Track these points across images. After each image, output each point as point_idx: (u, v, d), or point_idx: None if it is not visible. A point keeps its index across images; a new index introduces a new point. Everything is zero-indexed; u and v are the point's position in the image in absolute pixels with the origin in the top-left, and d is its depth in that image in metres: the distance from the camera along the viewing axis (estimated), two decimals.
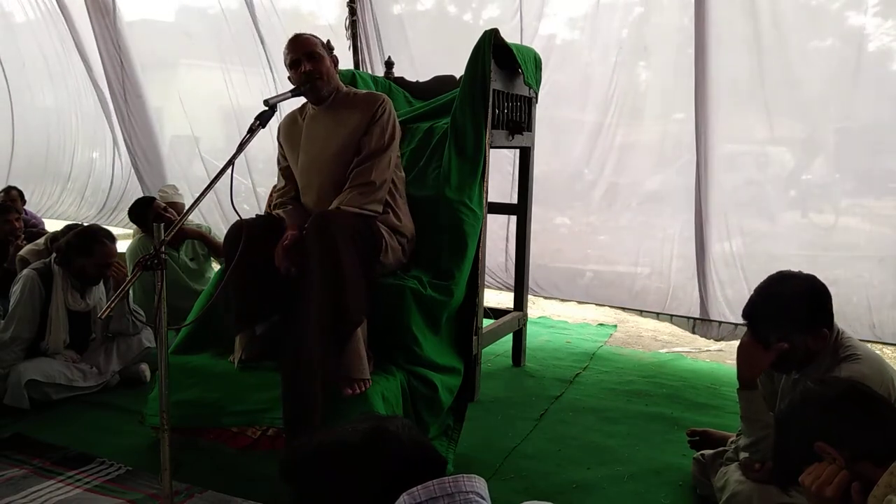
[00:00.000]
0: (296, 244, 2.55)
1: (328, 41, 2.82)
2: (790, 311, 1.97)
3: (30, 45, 6.76)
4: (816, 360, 1.99)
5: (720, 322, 4.06)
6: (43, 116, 7.08)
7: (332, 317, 2.38)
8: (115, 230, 3.73)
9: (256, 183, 5.80)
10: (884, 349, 4.27)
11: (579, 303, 4.71)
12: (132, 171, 6.50)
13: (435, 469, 1.09)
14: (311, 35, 2.74)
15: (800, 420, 1.47)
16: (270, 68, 5.47)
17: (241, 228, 2.58)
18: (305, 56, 2.67)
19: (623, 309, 4.45)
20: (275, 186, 3.10)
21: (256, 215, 3.01)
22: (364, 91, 2.94)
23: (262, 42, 5.39)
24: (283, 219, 2.71)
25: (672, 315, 4.23)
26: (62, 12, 6.32)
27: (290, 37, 2.73)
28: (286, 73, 2.73)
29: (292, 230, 2.60)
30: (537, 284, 4.62)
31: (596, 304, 4.65)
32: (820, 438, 1.38)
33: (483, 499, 1.05)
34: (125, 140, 6.25)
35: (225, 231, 4.39)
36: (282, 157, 2.93)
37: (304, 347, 2.35)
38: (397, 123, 2.81)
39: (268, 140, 5.61)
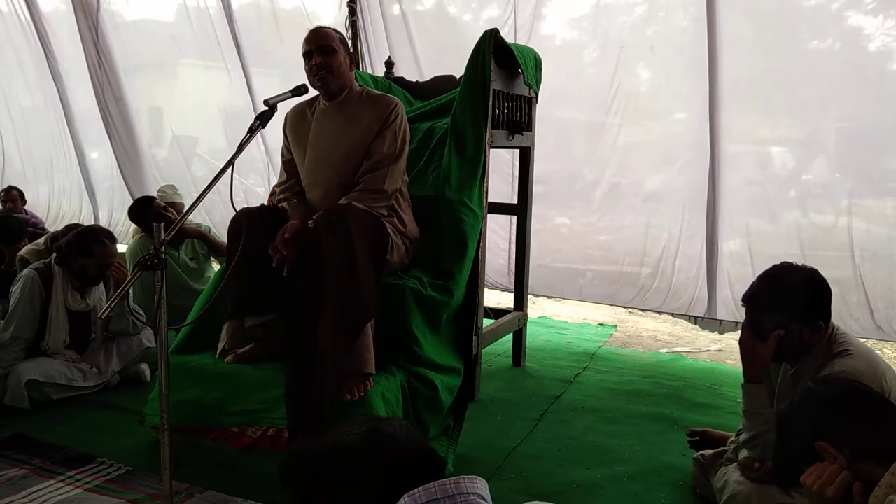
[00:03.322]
0: (297, 235, 2.51)
1: (342, 37, 2.76)
2: (789, 299, 2.00)
3: (25, 46, 6.76)
4: (810, 354, 2.01)
5: (721, 321, 4.08)
6: (39, 118, 7.06)
7: (346, 310, 2.37)
8: (121, 246, 3.74)
9: (255, 183, 5.81)
10: (884, 349, 4.27)
11: (578, 301, 4.71)
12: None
13: (434, 470, 1.08)
14: (330, 29, 2.72)
15: (801, 420, 1.47)
16: (243, 69, 5.48)
17: (245, 216, 2.58)
18: (318, 49, 2.64)
19: (624, 307, 4.45)
20: (276, 183, 3.08)
21: (261, 205, 2.97)
22: (378, 92, 2.90)
23: (238, 42, 5.41)
24: (287, 211, 2.70)
25: (674, 314, 4.24)
26: (33, 20, 6.34)
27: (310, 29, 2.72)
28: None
29: (296, 219, 2.59)
30: (538, 284, 4.62)
31: (597, 303, 4.65)
32: (821, 438, 1.37)
33: (484, 500, 1.04)
34: (111, 141, 6.25)
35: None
36: (286, 150, 2.90)
37: (317, 341, 2.35)
38: (408, 130, 2.79)
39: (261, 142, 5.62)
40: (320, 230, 2.45)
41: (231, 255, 2.55)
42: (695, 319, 4.18)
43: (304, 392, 2.33)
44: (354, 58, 3.16)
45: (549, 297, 4.83)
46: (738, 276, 3.91)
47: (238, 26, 5.40)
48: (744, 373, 2.08)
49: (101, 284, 3.38)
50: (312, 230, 2.50)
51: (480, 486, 1.06)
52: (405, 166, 2.82)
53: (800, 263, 2.10)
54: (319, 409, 2.30)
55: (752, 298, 2.07)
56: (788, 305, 1.99)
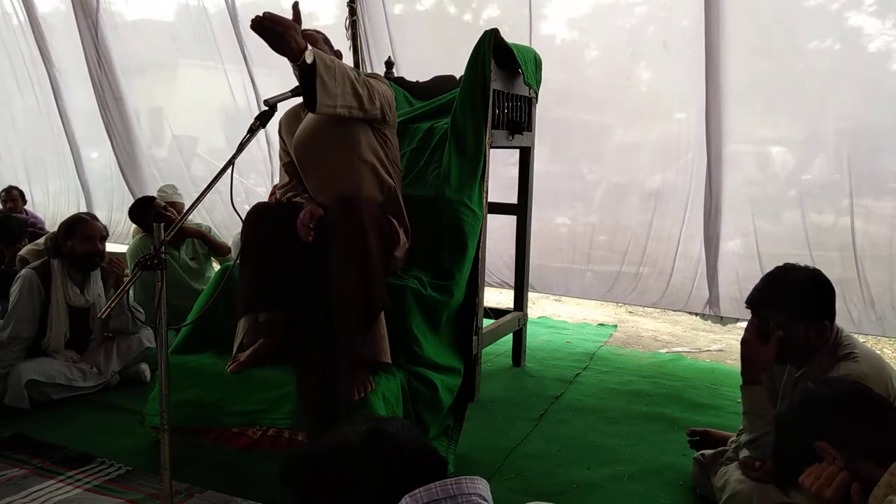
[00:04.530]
0: (320, 218, 2.54)
1: (326, 38, 2.78)
2: (793, 298, 1.99)
3: (19, 47, 6.77)
4: (815, 357, 2.00)
5: (721, 317, 4.10)
6: (36, 119, 7.07)
7: (361, 296, 2.40)
8: (122, 247, 3.74)
9: (256, 183, 5.81)
10: (884, 349, 4.28)
11: (578, 302, 4.71)
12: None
13: (435, 470, 1.08)
14: (313, 31, 2.73)
15: (800, 420, 1.47)
16: (248, 69, 5.48)
17: (264, 211, 2.57)
18: None
19: (624, 304, 4.46)
20: (276, 185, 3.08)
21: (277, 200, 2.94)
22: None
23: (241, 42, 5.40)
24: (302, 205, 2.70)
25: (677, 310, 4.26)
26: (30, 21, 6.34)
27: None
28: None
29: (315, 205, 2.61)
30: (538, 283, 4.63)
31: (596, 300, 4.66)
32: (820, 438, 1.37)
33: (485, 500, 1.04)
34: (111, 141, 6.26)
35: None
36: (283, 153, 2.90)
37: (331, 333, 2.36)
38: (389, 93, 2.70)
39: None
40: (333, 217, 2.47)
41: (247, 250, 2.55)
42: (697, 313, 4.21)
43: (319, 387, 2.33)
44: (344, 56, 3.14)
45: (548, 295, 4.83)
46: (744, 275, 3.92)
47: (243, 26, 5.41)
48: (742, 374, 2.07)
49: (99, 280, 3.39)
50: (326, 218, 2.53)
51: (482, 486, 1.06)
52: (397, 157, 2.78)
53: (802, 263, 2.10)
54: (334, 404, 2.31)
55: (756, 301, 2.07)
56: (792, 305, 1.99)
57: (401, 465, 1.06)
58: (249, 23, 2.15)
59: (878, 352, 2.45)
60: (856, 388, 1.50)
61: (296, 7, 2.28)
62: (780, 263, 2.13)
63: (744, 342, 2.08)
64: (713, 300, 4.11)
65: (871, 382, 1.73)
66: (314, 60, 2.20)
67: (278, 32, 2.14)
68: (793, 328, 1.98)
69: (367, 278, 2.42)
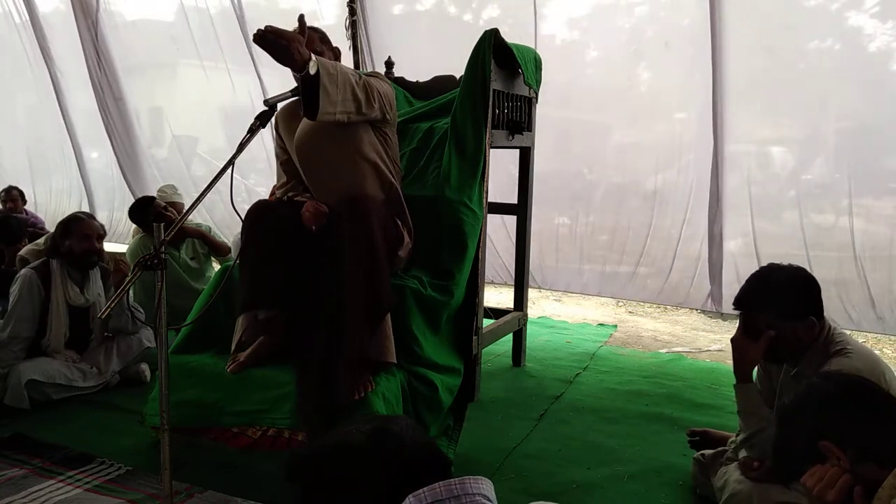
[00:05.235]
0: (324, 214, 2.55)
1: (324, 34, 2.77)
2: (778, 298, 2.01)
3: (22, 47, 6.76)
4: (807, 354, 2.01)
5: (721, 314, 4.12)
6: (37, 119, 7.07)
7: (369, 296, 2.40)
8: (122, 247, 3.75)
9: (256, 183, 5.81)
10: (884, 349, 4.27)
11: (578, 302, 4.72)
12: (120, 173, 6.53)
13: (440, 470, 1.07)
14: (309, 30, 2.71)
15: (803, 417, 1.45)
16: (256, 69, 5.48)
17: (265, 209, 2.57)
18: None
19: (625, 300, 4.48)
20: (275, 185, 3.07)
21: (278, 198, 2.93)
22: None
23: (248, 42, 5.40)
24: (303, 203, 2.70)
25: (681, 307, 4.28)
26: (31, 20, 6.35)
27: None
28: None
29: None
30: (540, 280, 4.64)
31: (597, 296, 4.68)
32: (824, 436, 1.35)
33: (490, 501, 1.04)
34: (112, 141, 6.26)
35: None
36: (281, 151, 2.88)
37: (334, 333, 2.35)
38: (391, 92, 2.69)
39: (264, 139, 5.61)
40: (340, 218, 2.47)
41: (247, 247, 2.55)
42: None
43: (319, 386, 2.33)
44: (344, 55, 3.13)
45: (549, 294, 4.84)
46: (745, 274, 3.92)
47: (248, 26, 5.41)
48: (735, 372, 2.10)
49: (99, 280, 3.39)
50: (331, 218, 2.53)
51: (486, 486, 1.06)
52: (397, 155, 2.80)
53: (796, 263, 2.11)
54: (334, 404, 2.31)
55: (742, 302, 2.09)
56: (777, 304, 2.01)
57: (405, 465, 1.06)
58: (252, 35, 2.17)
59: (878, 352, 2.45)
60: (858, 382, 1.48)
61: (301, 19, 2.29)
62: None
63: (734, 341, 2.11)
64: (715, 296, 4.12)
65: (863, 376, 1.73)
66: (318, 71, 2.22)
67: (282, 45, 2.17)
68: (780, 326, 2.00)
69: (376, 279, 2.42)
